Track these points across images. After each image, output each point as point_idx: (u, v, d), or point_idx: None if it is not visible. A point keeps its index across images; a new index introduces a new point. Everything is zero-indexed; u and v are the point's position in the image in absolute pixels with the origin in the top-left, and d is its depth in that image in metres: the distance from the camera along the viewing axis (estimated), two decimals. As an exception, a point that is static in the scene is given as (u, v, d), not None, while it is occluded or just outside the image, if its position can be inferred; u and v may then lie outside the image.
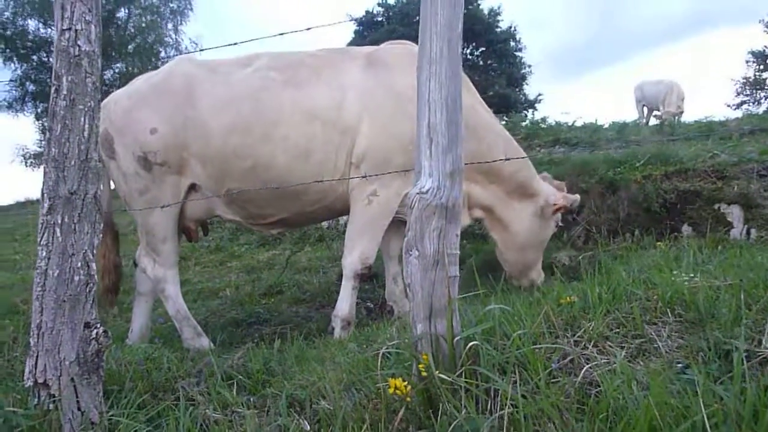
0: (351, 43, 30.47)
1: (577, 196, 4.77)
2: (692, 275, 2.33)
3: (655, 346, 1.94)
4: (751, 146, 5.70)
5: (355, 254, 4.19)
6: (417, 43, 2.21)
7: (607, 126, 10.23)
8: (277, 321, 5.01)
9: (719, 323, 1.95)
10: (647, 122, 15.81)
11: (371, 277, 5.33)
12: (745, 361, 1.64)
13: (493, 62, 32.04)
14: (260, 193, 4.13)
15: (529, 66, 31.58)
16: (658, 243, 4.10)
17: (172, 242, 4.33)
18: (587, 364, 1.85)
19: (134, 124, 4.19)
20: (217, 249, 8.46)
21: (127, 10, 27.80)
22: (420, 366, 1.75)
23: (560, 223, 4.97)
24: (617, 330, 2.06)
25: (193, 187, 4.31)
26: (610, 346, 1.96)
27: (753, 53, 29.36)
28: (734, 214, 4.94)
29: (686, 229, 5.06)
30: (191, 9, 28.00)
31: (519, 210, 4.68)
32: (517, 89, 29.48)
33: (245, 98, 4.15)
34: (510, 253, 4.78)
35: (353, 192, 4.19)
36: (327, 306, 5.21)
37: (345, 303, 4.17)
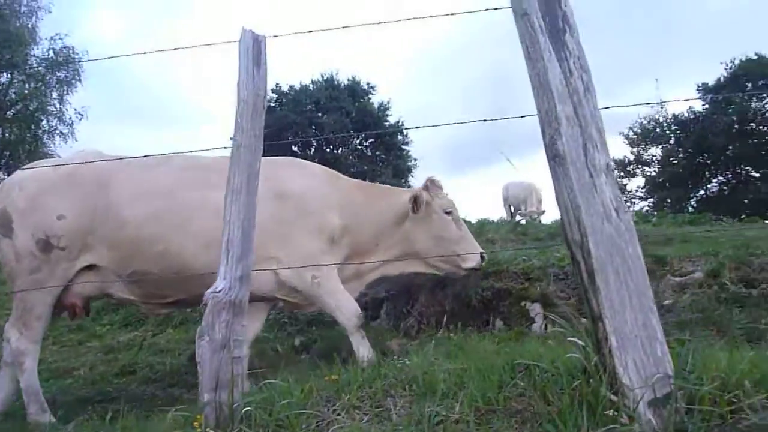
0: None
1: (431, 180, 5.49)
2: (437, 359, 3.04)
3: (390, 413, 2.59)
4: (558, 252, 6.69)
5: (346, 315, 4.84)
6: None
7: (474, 222, 11.23)
8: (125, 399, 5.29)
9: (437, 396, 2.63)
10: (512, 220, 17.18)
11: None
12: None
13: (381, 153, 33.76)
14: (165, 275, 4.56)
15: (415, 159, 33.34)
16: (451, 335, 4.87)
17: (45, 321, 4.60)
18: (337, 426, 2.47)
19: (41, 208, 4.53)
20: (78, 329, 8.50)
21: (9, 75, 27.21)
22: (195, 424, 2.31)
23: (449, 209, 5.47)
24: (366, 401, 2.69)
25: (89, 267, 4.64)
26: (358, 413, 2.59)
27: (614, 160, 32.43)
28: (536, 310, 5.84)
29: (498, 323, 5.91)
30: (80, 80, 27.49)
31: (408, 234, 5.32)
32: (403, 180, 30.96)
33: (161, 193, 4.67)
34: (434, 262, 5.43)
35: (295, 283, 4.81)
36: (175, 386, 5.57)
37: (362, 348, 4.72)
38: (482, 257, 5.52)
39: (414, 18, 2.88)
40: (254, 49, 2.77)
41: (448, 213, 5.48)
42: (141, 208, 4.60)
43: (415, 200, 5.28)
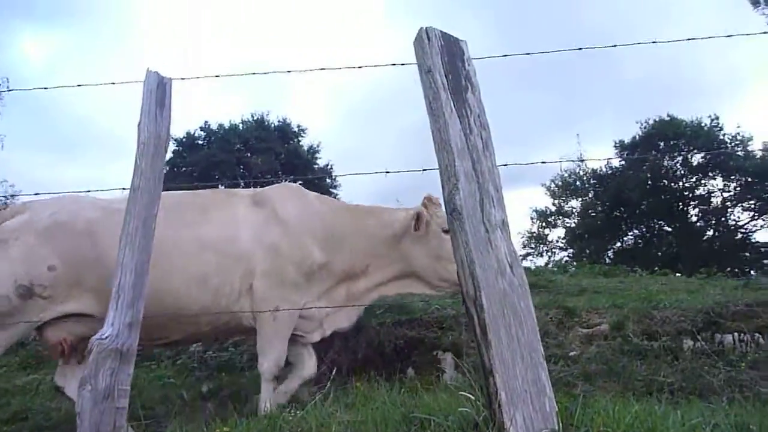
0: (170, 163, 30.58)
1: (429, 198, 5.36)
2: (335, 410, 3.00)
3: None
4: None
5: (271, 360, 4.79)
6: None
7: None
8: (12, 448, 4.97)
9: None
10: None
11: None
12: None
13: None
14: (158, 319, 4.43)
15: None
16: (357, 384, 4.81)
17: None
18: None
19: (32, 257, 4.50)
20: (-29, 372, 8.00)
21: None
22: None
23: (447, 227, 5.35)
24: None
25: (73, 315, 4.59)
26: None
27: (536, 211, 33.39)
28: (447, 360, 5.86)
29: (410, 372, 5.89)
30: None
31: (406, 254, 5.24)
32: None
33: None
34: (434, 281, 5.30)
35: (258, 306, 4.79)
36: (68, 433, 5.27)
37: (268, 400, 4.67)
38: None
39: (323, 69, 2.91)
40: (158, 91, 2.73)
41: (446, 232, 5.28)
42: None
43: (418, 218, 5.21)
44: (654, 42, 3.53)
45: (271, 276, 4.84)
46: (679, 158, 28.80)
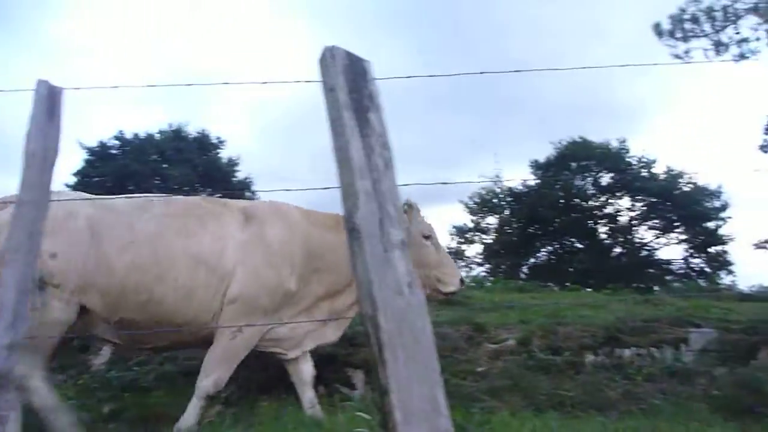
0: (81, 172, 29.37)
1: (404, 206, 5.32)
2: None
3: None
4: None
5: (212, 378, 4.81)
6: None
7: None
8: None
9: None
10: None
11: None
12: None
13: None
14: (148, 324, 4.65)
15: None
16: (264, 404, 4.75)
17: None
18: None
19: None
20: None
21: None
22: None
23: (428, 233, 5.46)
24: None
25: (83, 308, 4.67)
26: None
27: (455, 227, 33.96)
28: (358, 377, 5.86)
29: (321, 389, 5.84)
30: None
31: None
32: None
33: (144, 242, 4.75)
34: None
35: (224, 322, 4.81)
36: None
37: (191, 418, 4.70)
38: (461, 281, 5.49)
39: (226, 83, 2.87)
40: (48, 101, 2.61)
41: (427, 237, 5.46)
42: (126, 258, 4.70)
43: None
44: (555, 69, 3.67)
45: (243, 299, 4.87)
46: (590, 178, 30.00)
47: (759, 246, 24.31)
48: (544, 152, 31.51)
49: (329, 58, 2.75)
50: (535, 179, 30.80)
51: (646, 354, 5.79)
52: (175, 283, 4.72)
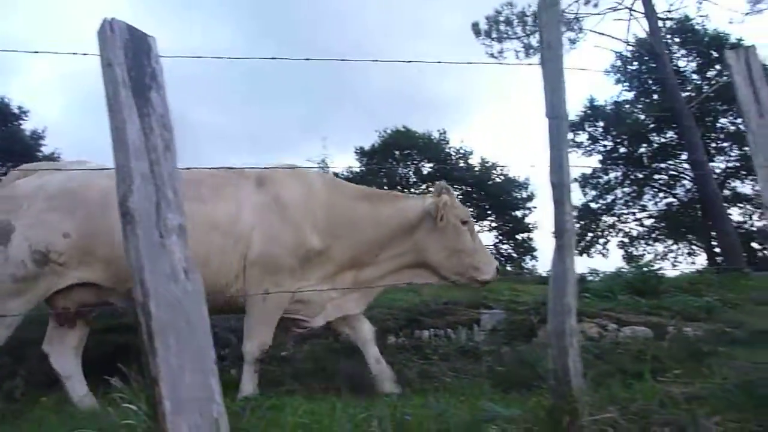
0: None
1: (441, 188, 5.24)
2: None
3: None
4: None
5: (255, 342, 4.81)
6: None
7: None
8: None
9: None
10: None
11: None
12: None
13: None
14: None
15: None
16: (43, 398, 4.45)
17: (11, 330, 4.57)
18: None
19: (47, 223, 4.55)
20: None
21: None
22: None
23: (465, 218, 5.24)
24: None
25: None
26: None
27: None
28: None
29: (115, 381, 5.55)
30: None
31: (421, 244, 5.15)
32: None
33: None
34: (449, 274, 5.22)
35: (249, 290, 4.75)
36: None
37: (248, 384, 4.71)
38: (497, 270, 5.38)
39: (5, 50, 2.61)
40: None
41: (464, 223, 5.24)
42: None
43: (439, 207, 5.09)
44: (376, 60, 3.78)
45: (265, 261, 4.78)
46: (412, 167, 31.22)
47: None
48: (370, 140, 32.31)
49: (108, 31, 2.59)
50: (360, 166, 31.43)
51: (443, 335, 6.18)
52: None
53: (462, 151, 32.19)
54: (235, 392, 4.54)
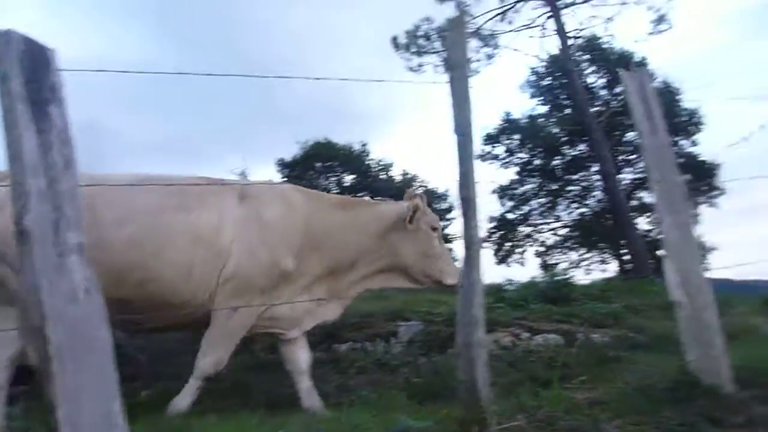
0: None
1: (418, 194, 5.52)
2: None
3: None
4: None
5: (211, 359, 4.69)
6: None
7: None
8: None
9: None
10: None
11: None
12: None
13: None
14: (145, 303, 4.49)
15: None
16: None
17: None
18: None
19: None
20: None
21: None
22: None
23: (435, 225, 5.48)
24: None
25: None
26: None
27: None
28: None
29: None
30: None
31: (394, 248, 5.27)
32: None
33: (146, 215, 4.58)
34: (419, 276, 5.36)
35: (218, 305, 4.66)
36: None
37: (185, 399, 4.58)
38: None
39: None
40: None
41: (434, 229, 5.46)
42: (125, 232, 4.49)
43: (414, 211, 5.28)
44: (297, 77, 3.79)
45: (239, 278, 4.71)
46: (334, 179, 31.21)
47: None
48: (291, 151, 32.07)
49: (3, 43, 2.49)
50: (282, 178, 31.14)
51: (361, 348, 6.19)
52: (171, 261, 4.56)
53: (383, 163, 32.44)
54: (146, 414, 4.41)
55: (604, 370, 4.75)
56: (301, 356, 5.12)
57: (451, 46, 3.34)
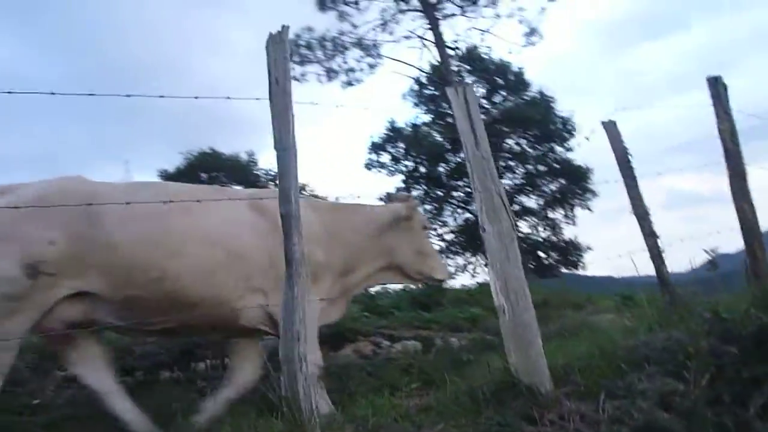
0: None
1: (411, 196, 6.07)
2: None
3: None
4: None
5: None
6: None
7: None
8: None
9: None
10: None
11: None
12: None
13: None
14: (158, 302, 4.47)
15: None
16: None
17: (14, 353, 4.24)
18: None
19: (27, 234, 4.19)
20: None
21: None
22: None
23: (426, 225, 5.97)
24: None
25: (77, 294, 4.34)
26: None
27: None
28: None
29: None
30: None
31: (391, 246, 5.60)
32: None
33: (153, 216, 4.53)
34: (413, 274, 5.73)
35: (257, 314, 4.84)
36: None
37: (323, 401, 4.47)
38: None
39: None
40: None
41: (425, 228, 5.91)
42: (131, 231, 4.48)
43: (411, 211, 5.70)
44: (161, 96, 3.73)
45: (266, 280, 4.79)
46: (220, 189, 30.48)
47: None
48: (174, 161, 31.02)
49: None
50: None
51: (220, 365, 6.06)
52: (189, 260, 4.60)
53: (271, 173, 32.07)
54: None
55: (458, 373, 4.89)
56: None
57: (273, 62, 3.34)
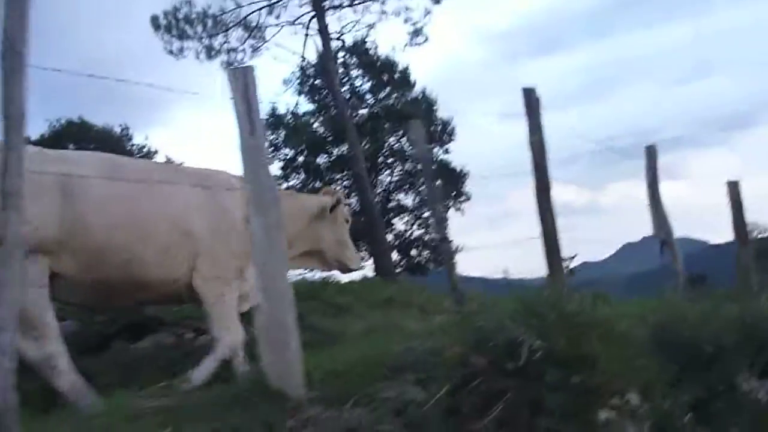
0: None
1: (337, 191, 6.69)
2: None
3: None
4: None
5: (225, 343, 4.91)
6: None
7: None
8: None
9: None
10: None
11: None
12: None
13: None
14: (122, 283, 4.69)
15: None
16: None
17: (53, 312, 4.37)
18: None
19: None
20: None
21: None
22: None
23: (348, 218, 6.52)
24: None
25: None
26: None
27: None
28: None
29: None
30: None
31: (316, 234, 6.08)
32: None
33: (125, 198, 4.65)
34: (332, 261, 6.33)
35: (204, 293, 4.98)
36: None
37: (203, 372, 4.65)
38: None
39: None
40: None
41: (346, 221, 6.42)
42: (106, 215, 4.52)
43: (337, 203, 6.18)
44: None
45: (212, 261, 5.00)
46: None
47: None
48: (38, 129, 29.18)
49: None
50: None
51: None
52: (153, 241, 4.73)
53: (145, 149, 30.77)
54: None
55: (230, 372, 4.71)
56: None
57: (9, 27, 2.97)
